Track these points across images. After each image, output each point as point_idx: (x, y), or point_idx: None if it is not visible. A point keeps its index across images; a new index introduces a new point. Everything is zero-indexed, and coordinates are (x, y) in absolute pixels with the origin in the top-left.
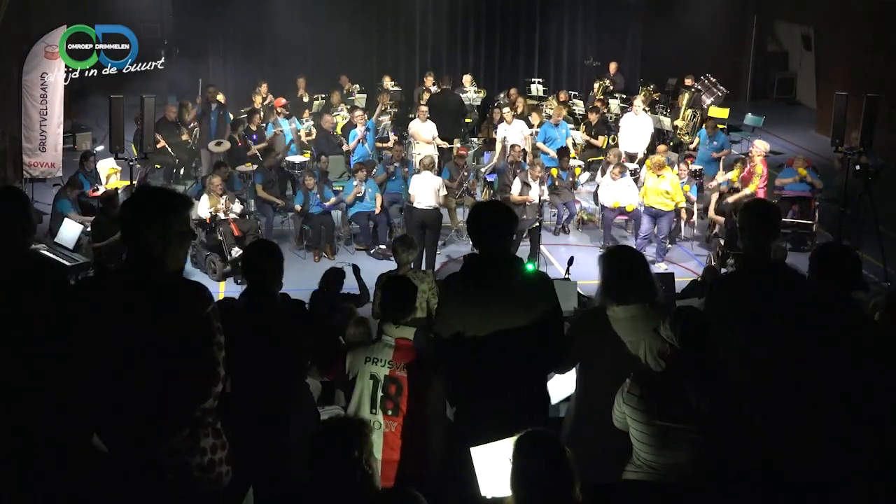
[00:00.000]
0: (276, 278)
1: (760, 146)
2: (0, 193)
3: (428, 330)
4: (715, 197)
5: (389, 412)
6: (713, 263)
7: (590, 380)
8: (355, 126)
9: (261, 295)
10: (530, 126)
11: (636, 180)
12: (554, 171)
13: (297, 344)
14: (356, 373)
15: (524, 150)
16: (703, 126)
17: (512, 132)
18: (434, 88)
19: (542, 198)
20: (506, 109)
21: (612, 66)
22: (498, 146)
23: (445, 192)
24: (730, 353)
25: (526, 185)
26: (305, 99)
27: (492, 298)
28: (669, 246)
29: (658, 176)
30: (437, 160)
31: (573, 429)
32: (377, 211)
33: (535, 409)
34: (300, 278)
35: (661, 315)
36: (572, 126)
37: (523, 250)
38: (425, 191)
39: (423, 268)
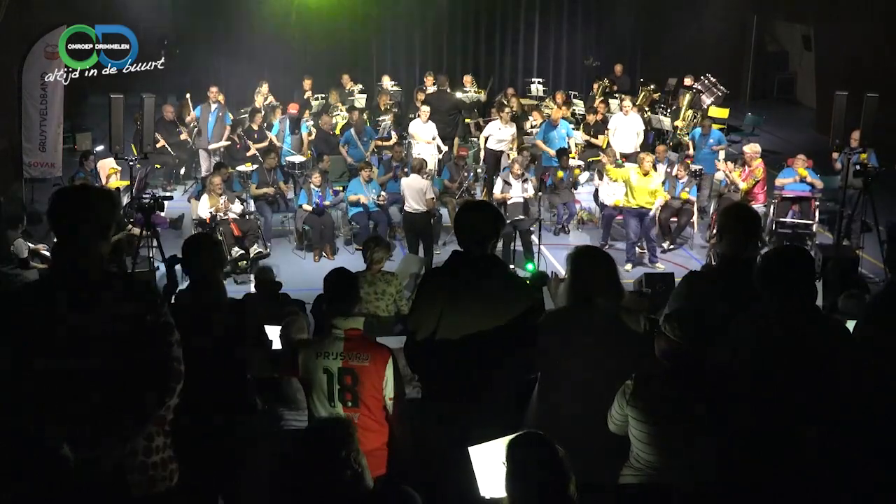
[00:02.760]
0: (216, 272)
1: (750, 150)
2: None
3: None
4: (712, 194)
5: (349, 403)
6: (713, 263)
7: (553, 381)
8: (351, 127)
9: (205, 290)
10: (531, 126)
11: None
12: (560, 174)
13: (230, 338)
14: (310, 370)
15: (502, 151)
16: (699, 125)
17: (504, 133)
18: (433, 89)
19: (525, 196)
20: (505, 110)
21: (618, 68)
22: (481, 143)
23: (433, 196)
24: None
25: (507, 183)
26: (314, 102)
27: (469, 297)
28: (672, 246)
29: (645, 175)
30: (437, 161)
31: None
32: (380, 199)
33: (507, 409)
34: (300, 278)
35: (630, 316)
36: (573, 126)
37: (521, 251)
38: (412, 194)
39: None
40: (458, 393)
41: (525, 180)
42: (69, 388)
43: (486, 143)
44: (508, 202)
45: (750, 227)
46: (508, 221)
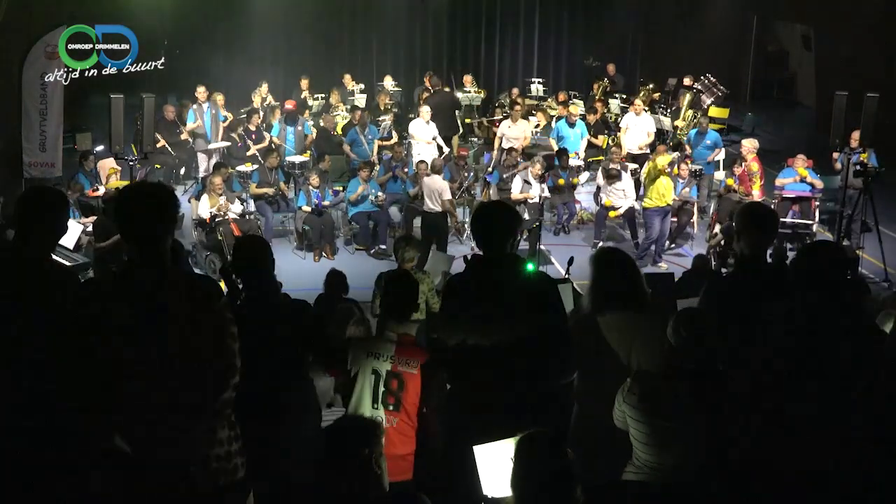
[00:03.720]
0: (270, 275)
1: (749, 144)
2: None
3: (428, 329)
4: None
5: (391, 407)
6: (713, 262)
7: (587, 385)
8: (355, 126)
9: (258, 290)
10: (535, 126)
11: (637, 181)
12: (561, 181)
13: (296, 340)
14: (358, 369)
15: (521, 149)
16: (697, 125)
17: (514, 131)
18: (432, 89)
19: (542, 196)
20: (517, 108)
21: (611, 68)
22: (496, 144)
23: (449, 197)
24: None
25: (527, 183)
26: (310, 102)
27: (496, 299)
28: (673, 245)
29: (665, 174)
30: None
31: (574, 431)
32: (379, 198)
33: (539, 413)
34: (300, 278)
35: (654, 320)
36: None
37: (522, 250)
38: (430, 193)
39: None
40: (489, 396)
41: (544, 181)
42: (132, 382)
43: (500, 143)
44: (529, 202)
45: (768, 226)
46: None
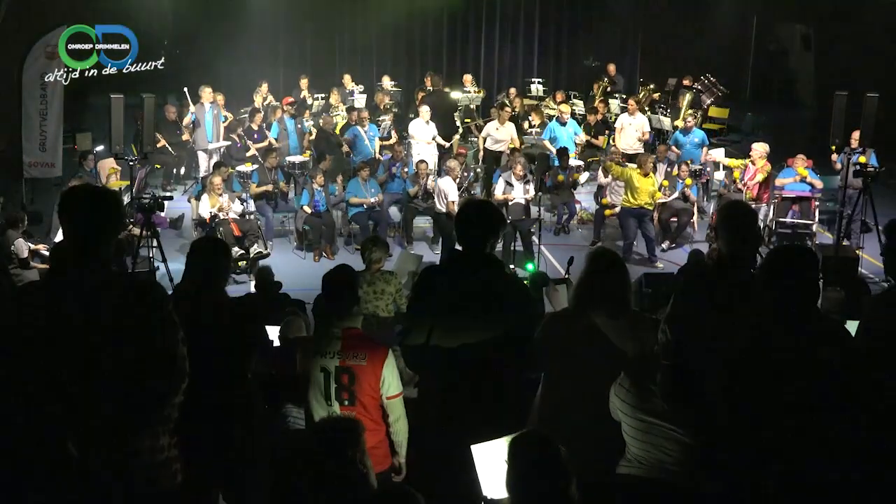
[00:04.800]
0: (221, 274)
1: (760, 148)
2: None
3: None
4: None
5: (345, 402)
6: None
7: (554, 384)
8: (354, 125)
9: (207, 289)
10: (531, 126)
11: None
12: (560, 177)
13: (241, 339)
14: (307, 369)
15: (505, 151)
16: (683, 127)
17: (502, 133)
18: (431, 89)
19: (526, 197)
20: (506, 110)
21: (611, 68)
22: (479, 143)
23: (453, 199)
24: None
25: (509, 184)
26: (309, 100)
27: (466, 295)
28: (672, 246)
29: (646, 176)
30: (436, 161)
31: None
32: (378, 200)
33: (506, 408)
34: (300, 278)
35: (643, 322)
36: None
37: (519, 252)
38: (439, 193)
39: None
40: (457, 392)
41: (527, 182)
42: (74, 387)
43: (484, 143)
44: (510, 203)
45: (743, 224)
46: (509, 221)
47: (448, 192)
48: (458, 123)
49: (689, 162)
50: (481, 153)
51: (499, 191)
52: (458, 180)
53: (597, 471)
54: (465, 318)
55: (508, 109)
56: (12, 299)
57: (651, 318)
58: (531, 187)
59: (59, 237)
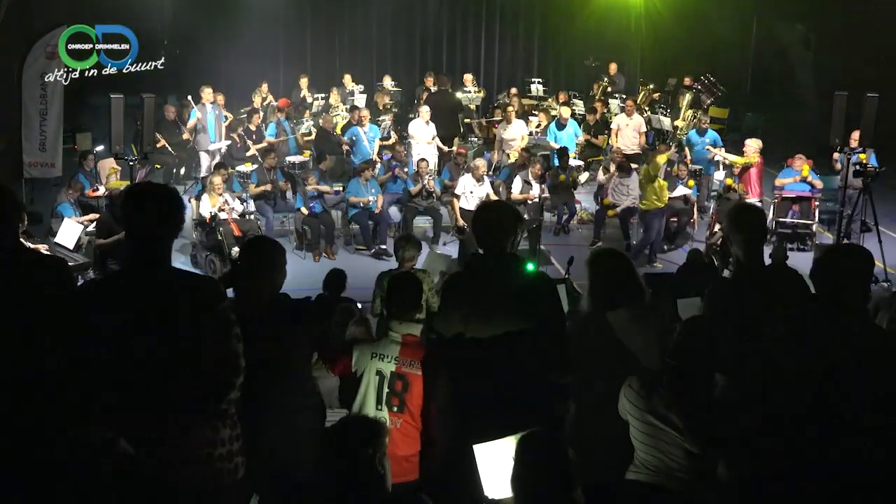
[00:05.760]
0: (270, 275)
1: (754, 144)
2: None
3: (428, 328)
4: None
5: (395, 409)
6: (716, 262)
7: (586, 386)
8: (355, 125)
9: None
10: (538, 127)
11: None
12: (562, 177)
13: (296, 340)
14: (362, 370)
15: (516, 150)
16: (694, 127)
17: (510, 132)
18: (433, 89)
19: (542, 196)
20: (510, 109)
21: (612, 67)
22: (496, 145)
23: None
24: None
25: (527, 183)
26: (309, 99)
27: (495, 298)
28: (673, 246)
29: (654, 176)
30: (436, 160)
31: (573, 432)
32: (377, 210)
33: (533, 413)
34: (300, 278)
35: (655, 316)
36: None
37: (522, 249)
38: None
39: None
40: (487, 395)
41: (544, 181)
42: (132, 383)
43: (500, 146)
44: (529, 202)
45: (752, 225)
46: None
47: (471, 189)
48: (460, 125)
49: (688, 161)
50: (495, 154)
51: (516, 189)
52: (456, 180)
53: (612, 475)
54: (494, 319)
55: (511, 109)
56: (77, 296)
57: (659, 312)
58: (545, 186)
59: (59, 237)
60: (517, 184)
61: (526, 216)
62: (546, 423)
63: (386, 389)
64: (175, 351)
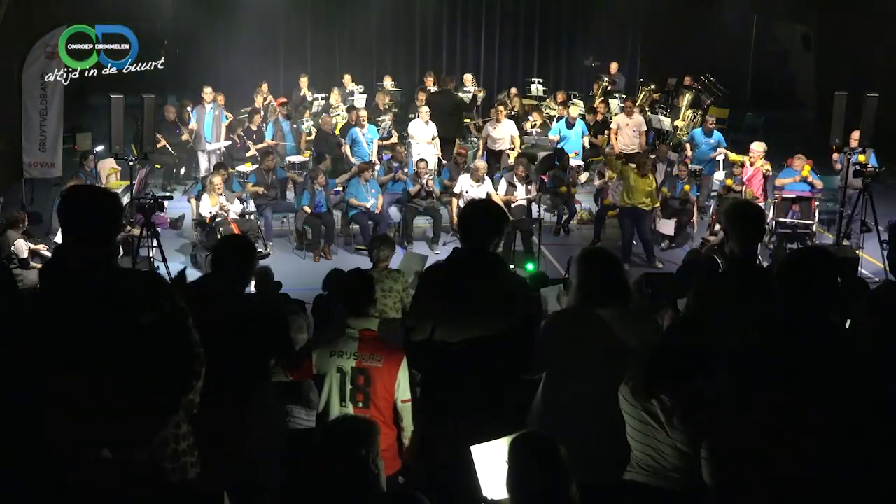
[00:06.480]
0: (243, 275)
1: (759, 148)
2: None
3: (403, 321)
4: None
5: (360, 404)
6: (718, 262)
7: (558, 385)
8: (354, 126)
9: (228, 289)
10: (532, 126)
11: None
12: (575, 180)
13: (263, 341)
14: (324, 370)
15: (502, 151)
16: (701, 125)
17: (499, 132)
18: (434, 89)
19: (529, 198)
20: (499, 108)
21: (613, 66)
22: (480, 143)
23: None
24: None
25: (511, 185)
26: (309, 98)
27: (470, 294)
28: (673, 246)
29: (644, 177)
30: (437, 160)
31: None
32: (377, 210)
33: (507, 409)
34: (300, 278)
35: (642, 317)
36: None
37: (518, 251)
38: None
39: None
40: (458, 391)
41: (529, 182)
42: (91, 384)
43: (485, 144)
44: (513, 205)
45: (751, 222)
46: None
47: (470, 189)
48: (461, 126)
49: (689, 161)
50: (479, 151)
51: (501, 191)
52: (456, 180)
53: (600, 472)
54: (468, 318)
55: (502, 108)
56: (24, 300)
57: (653, 317)
58: (533, 187)
59: (59, 237)
60: (502, 185)
61: (511, 218)
62: (516, 418)
63: (349, 386)
64: (130, 347)
